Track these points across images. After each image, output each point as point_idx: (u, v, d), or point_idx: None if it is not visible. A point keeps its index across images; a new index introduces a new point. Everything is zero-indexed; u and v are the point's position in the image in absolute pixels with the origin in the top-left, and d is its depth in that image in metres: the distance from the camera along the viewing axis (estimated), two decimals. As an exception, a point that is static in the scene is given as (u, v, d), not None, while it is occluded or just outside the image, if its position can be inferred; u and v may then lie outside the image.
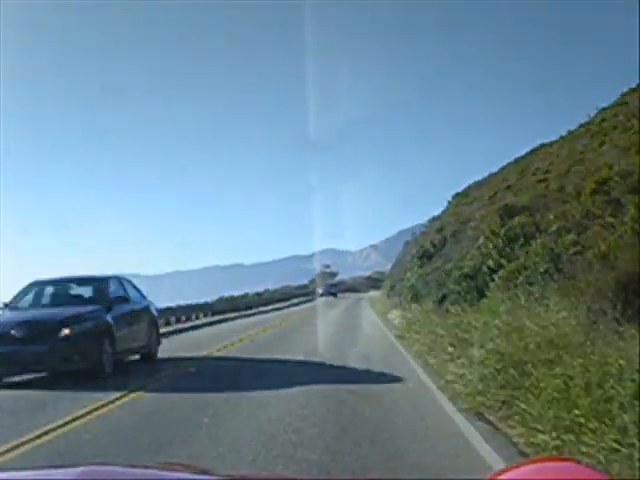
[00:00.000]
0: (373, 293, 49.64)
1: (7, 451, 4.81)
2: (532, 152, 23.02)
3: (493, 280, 10.66)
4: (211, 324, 22.51)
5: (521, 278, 9.37)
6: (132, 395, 7.11)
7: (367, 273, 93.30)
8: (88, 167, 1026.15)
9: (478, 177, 29.23)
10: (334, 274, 65.12)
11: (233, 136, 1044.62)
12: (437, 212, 31.01)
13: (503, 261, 10.87)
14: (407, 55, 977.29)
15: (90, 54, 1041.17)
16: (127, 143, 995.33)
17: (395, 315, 17.99)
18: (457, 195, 29.07)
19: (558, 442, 3.96)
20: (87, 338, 8.41)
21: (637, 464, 3.21)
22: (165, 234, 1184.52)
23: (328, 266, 68.63)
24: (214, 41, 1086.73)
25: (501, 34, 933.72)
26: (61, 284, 10.26)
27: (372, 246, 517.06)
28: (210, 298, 36.08)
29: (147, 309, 10.89)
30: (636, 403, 3.69)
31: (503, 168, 25.45)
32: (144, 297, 11.12)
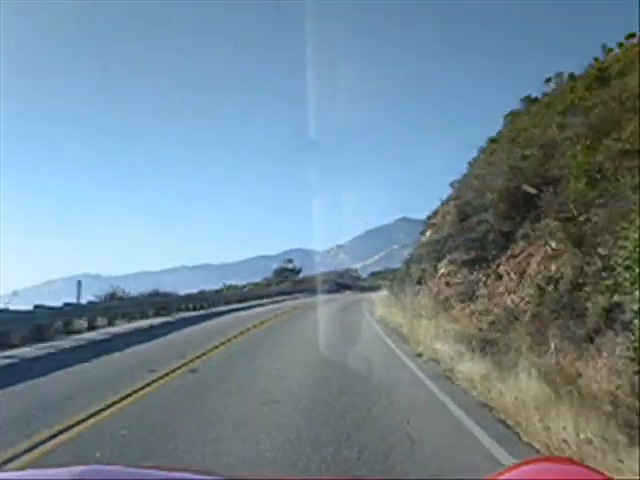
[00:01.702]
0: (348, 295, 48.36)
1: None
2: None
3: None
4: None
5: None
6: None
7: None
8: (56, 163, 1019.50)
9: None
10: (297, 271, 62.35)
11: (198, 140, 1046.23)
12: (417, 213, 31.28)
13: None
14: (407, 55, 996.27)
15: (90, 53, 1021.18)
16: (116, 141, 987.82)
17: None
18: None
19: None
20: None
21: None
22: (129, 235, 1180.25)
23: (291, 260, 65.68)
24: (214, 41, 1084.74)
25: (504, 30, 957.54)
26: None
27: (339, 246, 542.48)
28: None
29: None
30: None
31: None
32: None
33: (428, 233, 24.24)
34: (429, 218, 26.45)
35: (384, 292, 33.39)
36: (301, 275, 62.00)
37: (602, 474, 1.32)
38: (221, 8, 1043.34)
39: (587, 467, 1.34)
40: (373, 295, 36.30)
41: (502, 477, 1.25)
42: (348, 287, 60.05)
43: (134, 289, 28.02)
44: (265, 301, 37.52)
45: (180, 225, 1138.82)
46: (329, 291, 50.86)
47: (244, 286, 53.83)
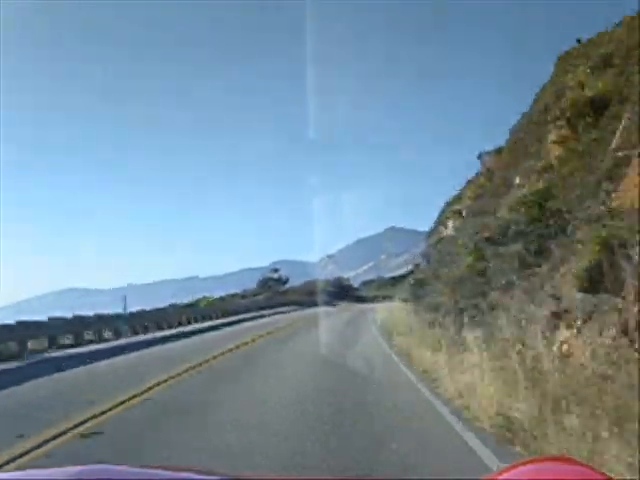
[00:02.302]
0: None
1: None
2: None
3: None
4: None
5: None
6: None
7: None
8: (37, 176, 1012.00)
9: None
10: (283, 281, 56.63)
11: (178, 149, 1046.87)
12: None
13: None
14: (407, 55, 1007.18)
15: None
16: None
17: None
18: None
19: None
20: None
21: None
22: (117, 247, 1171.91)
23: (276, 270, 58.96)
24: (214, 42, 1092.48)
25: (506, 32, 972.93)
26: None
27: (329, 256, 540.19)
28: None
29: None
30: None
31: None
32: None
33: (451, 223, 19.59)
34: (449, 204, 21.56)
35: (390, 304, 27.77)
36: (287, 285, 56.19)
37: (602, 474, 1.32)
38: (221, 8, 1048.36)
39: (587, 467, 1.31)
40: (377, 307, 29.13)
41: (502, 477, 1.23)
42: (341, 297, 53.27)
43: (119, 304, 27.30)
44: (232, 319, 28.96)
45: (169, 237, 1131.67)
46: (319, 303, 43.13)
47: (222, 298, 47.57)
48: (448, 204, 22.49)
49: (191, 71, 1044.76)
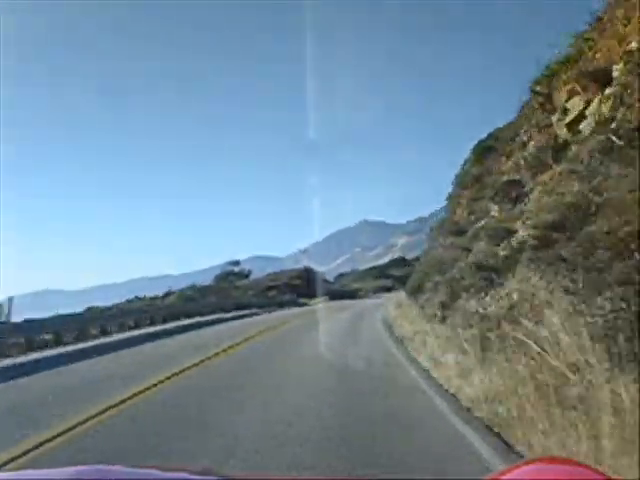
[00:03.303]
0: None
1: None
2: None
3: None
4: None
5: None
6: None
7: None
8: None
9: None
10: (245, 274, 49.78)
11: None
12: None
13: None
14: (408, 55, 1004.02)
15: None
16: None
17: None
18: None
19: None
20: None
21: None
22: (89, 247, 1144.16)
23: (237, 262, 52.11)
24: (214, 42, 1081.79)
25: (507, 32, 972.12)
26: None
27: (302, 251, 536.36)
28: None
29: None
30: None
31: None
32: None
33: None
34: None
35: (379, 301, 23.43)
36: (252, 279, 46.75)
37: (602, 474, 1.31)
38: (221, 8, 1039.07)
39: (587, 467, 1.30)
40: (378, 316, 20.15)
41: (502, 477, 1.22)
42: (312, 294, 39.82)
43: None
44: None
45: (142, 237, 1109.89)
46: (283, 304, 34.88)
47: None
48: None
49: (191, 71, 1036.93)
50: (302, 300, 38.65)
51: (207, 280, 47.33)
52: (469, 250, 11.57)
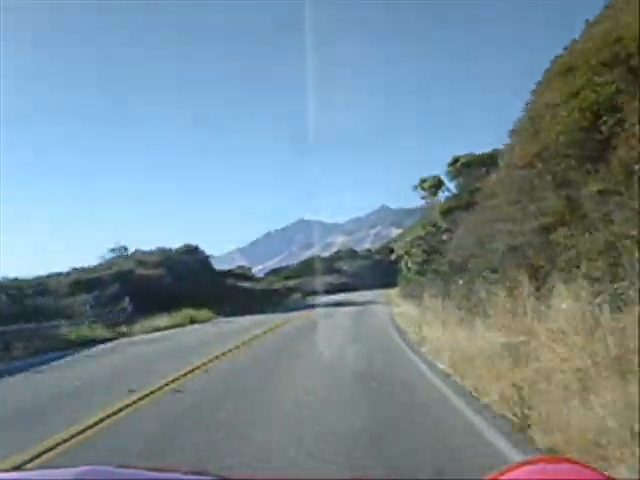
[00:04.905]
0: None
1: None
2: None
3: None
4: None
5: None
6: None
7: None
8: None
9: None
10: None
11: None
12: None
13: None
14: (407, 55, 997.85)
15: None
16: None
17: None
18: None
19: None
20: None
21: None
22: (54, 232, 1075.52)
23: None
24: (214, 42, 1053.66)
25: (508, 34, 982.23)
26: None
27: (238, 249, 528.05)
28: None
29: None
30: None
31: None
32: None
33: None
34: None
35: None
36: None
37: (602, 474, 1.30)
38: (221, 8, 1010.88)
39: (587, 467, 1.31)
40: None
41: (502, 477, 1.22)
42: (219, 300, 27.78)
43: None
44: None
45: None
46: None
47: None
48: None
49: (191, 71, 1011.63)
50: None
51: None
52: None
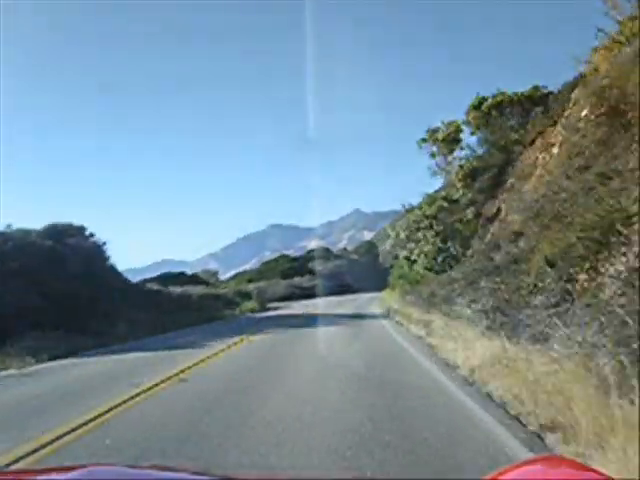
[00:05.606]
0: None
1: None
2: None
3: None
4: None
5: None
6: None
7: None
8: None
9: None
10: None
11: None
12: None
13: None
14: (407, 55, 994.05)
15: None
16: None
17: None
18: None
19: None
20: None
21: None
22: None
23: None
24: (214, 42, 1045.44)
25: (508, 34, 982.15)
26: None
27: (211, 254, 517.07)
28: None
29: None
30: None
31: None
32: None
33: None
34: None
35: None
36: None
37: (602, 474, 1.30)
38: (221, 8, 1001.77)
39: (587, 467, 1.33)
40: None
41: (502, 477, 1.23)
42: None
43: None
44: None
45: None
46: None
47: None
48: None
49: (190, 71, 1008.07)
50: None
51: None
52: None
